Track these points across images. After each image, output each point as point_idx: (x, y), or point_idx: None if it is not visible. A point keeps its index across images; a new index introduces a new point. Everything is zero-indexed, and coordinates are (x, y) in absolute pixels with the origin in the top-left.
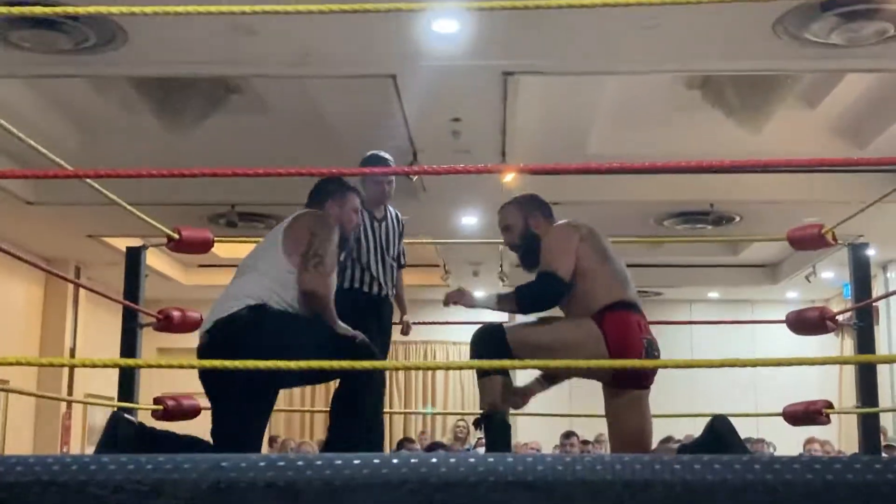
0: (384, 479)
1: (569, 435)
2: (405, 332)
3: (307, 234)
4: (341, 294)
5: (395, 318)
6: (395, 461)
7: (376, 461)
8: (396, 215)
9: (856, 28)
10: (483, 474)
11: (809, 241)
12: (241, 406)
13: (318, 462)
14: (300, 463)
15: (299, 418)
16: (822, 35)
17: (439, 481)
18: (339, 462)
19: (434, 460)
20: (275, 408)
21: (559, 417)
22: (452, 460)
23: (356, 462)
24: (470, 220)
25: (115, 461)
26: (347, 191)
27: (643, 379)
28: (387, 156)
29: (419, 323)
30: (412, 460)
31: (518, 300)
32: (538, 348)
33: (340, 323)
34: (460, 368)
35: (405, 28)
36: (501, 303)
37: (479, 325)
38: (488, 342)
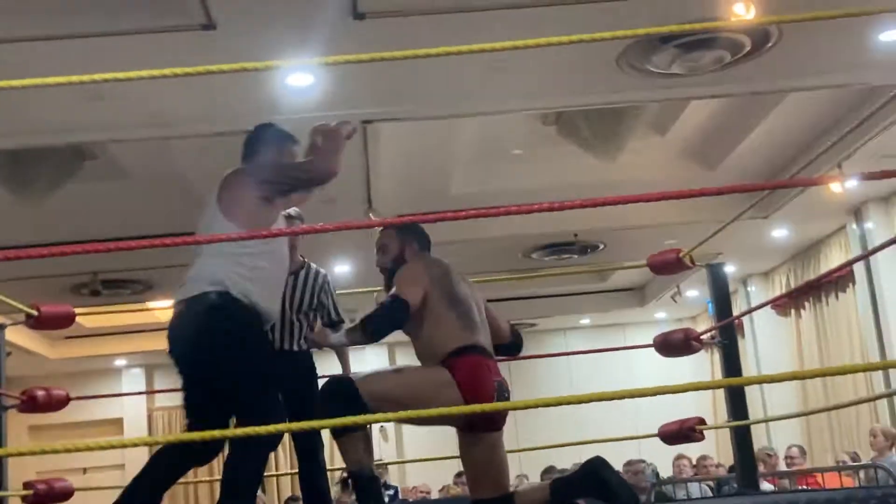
0: None
1: (548, 471)
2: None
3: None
4: None
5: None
6: None
7: None
8: (315, 272)
9: (695, 57)
10: None
11: (669, 266)
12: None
13: None
14: None
15: (181, 489)
16: (664, 66)
17: None
18: None
19: None
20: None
21: (448, 460)
22: None
23: None
24: (343, 268)
25: None
26: (286, 139)
27: (496, 422)
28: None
29: None
30: None
31: (363, 327)
32: (391, 401)
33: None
34: (322, 427)
35: (260, 84)
36: (351, 334)
37: (326, 379)
38: (340, 398)
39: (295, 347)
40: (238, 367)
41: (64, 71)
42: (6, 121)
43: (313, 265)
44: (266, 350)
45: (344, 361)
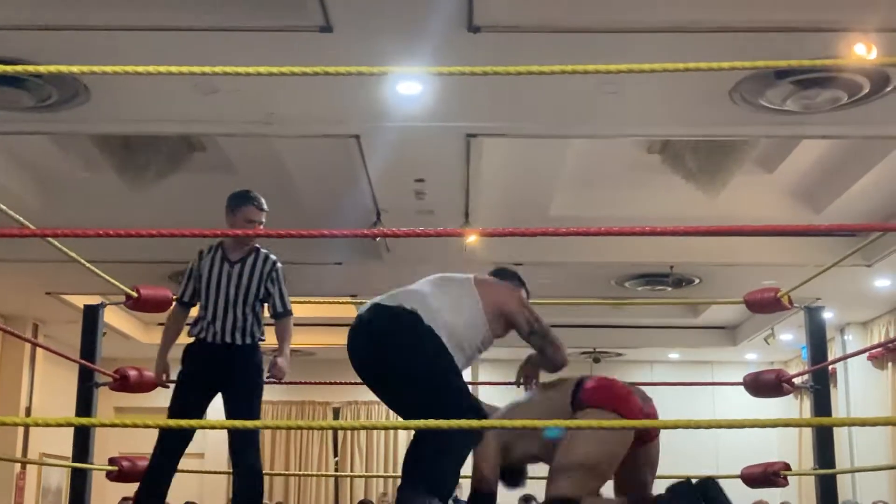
0: None
1: (527, 499)
2: (275, 374)
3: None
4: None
5: None
6: None
7: None
8: (264, 257)
9: (810, 95)
10: None
11: (766, 305)
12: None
13: None
14: None
15: None
16: (778, 102)
17: None
18: None
19: None
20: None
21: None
22: None
23: None
24: None
25: None
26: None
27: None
28: (251, 193)
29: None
30: None
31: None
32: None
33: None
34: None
35: (370, 89)
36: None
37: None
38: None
39: (238, 341)
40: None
41: (181, 63)
42: (122, 108)
43: (263, 250)
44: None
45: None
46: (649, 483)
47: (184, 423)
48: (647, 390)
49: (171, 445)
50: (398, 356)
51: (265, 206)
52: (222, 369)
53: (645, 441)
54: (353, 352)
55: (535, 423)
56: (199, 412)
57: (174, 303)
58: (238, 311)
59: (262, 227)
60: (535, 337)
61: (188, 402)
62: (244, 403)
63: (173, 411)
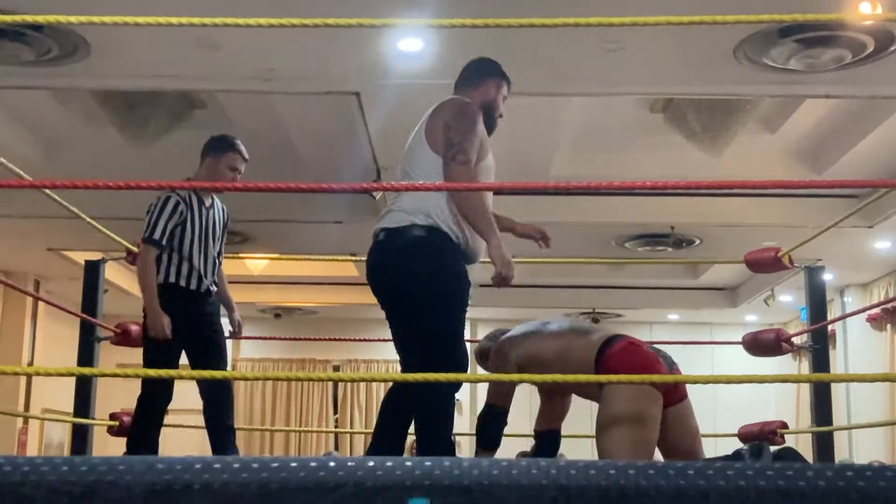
0: (320, 481)
1: (524, 455)
2: (237, 332)
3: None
4: (158, 290)
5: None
6: (331, 464)
7: (313, 464)
8: (223, 207)
9: (814, 54)
10: (419, 478)
11: (766, 264)
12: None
13: (254, 465)
14: (236, 465)
15: (258, 436)
16: (782, 60)
17: (375, 485)
18: (276, 465)
19: (371, 463)
20: (237, 426)
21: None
22: (389, 464)
23: (292, 465)
24: None
25: (49, 462)
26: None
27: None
28: (233, 139)
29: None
30: (349, 463)
31: None
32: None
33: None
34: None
35: (370, 46)
36: None
37: None
38: None
39: (212, 288)
40: (442, 306)
41: (180, 16)
42: (123, 63)
43: (217, 200)
44: (468, 292)
45: (230, 307)
46: (697, 449)
47: (187, 373)
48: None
49: (163, 404)
50: (411, 285)
51: (247, 156)
52: (197, 313)
53: (672, 403)
54: (369, 270)
55: (552, 377)
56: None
57: (149, 245)
58: (210, 255)
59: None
60: (454, 166)
61: (173, 353)
62: (219, 348)
63: (162, 363)
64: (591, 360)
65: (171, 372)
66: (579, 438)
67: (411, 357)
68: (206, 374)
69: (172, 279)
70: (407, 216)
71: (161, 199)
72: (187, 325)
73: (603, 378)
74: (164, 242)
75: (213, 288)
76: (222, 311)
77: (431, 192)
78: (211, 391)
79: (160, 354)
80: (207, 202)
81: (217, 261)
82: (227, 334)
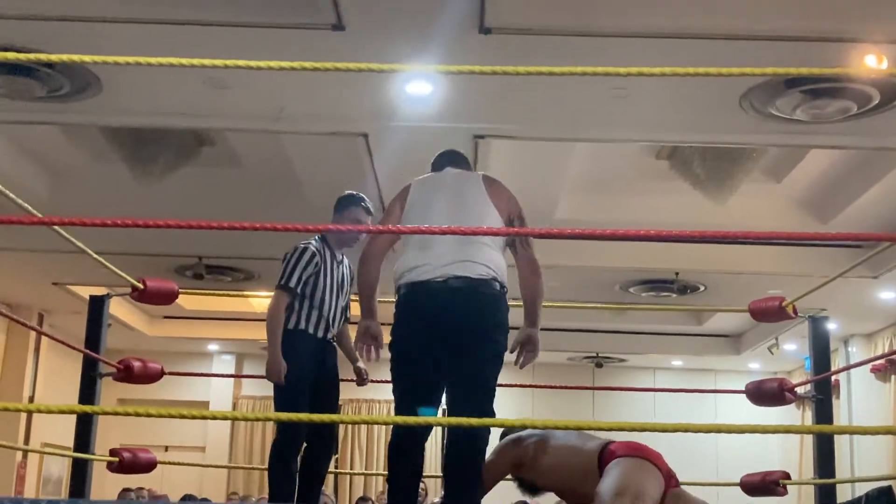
0: None
1: None
2: (362, 381)
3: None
4: (286, 335)
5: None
6: None
7: None
8: (349, 264)
9: (820, 105)
10: None
11: (770, 314)
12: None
13: None
14: None
15: (258, 475)
16: (787, 111)
17: None
18: None
19: None
20: (233, 464)
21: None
22: None
23: None
24: None
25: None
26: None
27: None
28: (363, 196)
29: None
30: None
31: None
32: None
33: None
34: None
35: (379, 88)
36: None
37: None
38: None
39: (331, 336)
40: (500, 363)
41: (191, 56)
42: (133, 100)
43: (346, 258)
44: None
45: (353, 358)
46: None
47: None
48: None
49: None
50: (485, 334)
51: (372, 210)
52: (321, 361)
53: (668, 489)
54: (432, 313)
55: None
56: None
57: (283, 291)
58: (339, 306)
59: None
60: (520, 221)
61: (304, 396)
62: (335, 397)
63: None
64: (594, 465)
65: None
66: None
67: (461, 404)
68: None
69: (303, 325)
70: (488, 270)
71: (298, 248)
72: (313, 368)
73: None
74: (297, 290)
75: (333, 340)
76: (343, 360)
77: (500, 256)
78: (319, 436)
79: (294, 394)
80: (339, 257)
81: (344, 314)
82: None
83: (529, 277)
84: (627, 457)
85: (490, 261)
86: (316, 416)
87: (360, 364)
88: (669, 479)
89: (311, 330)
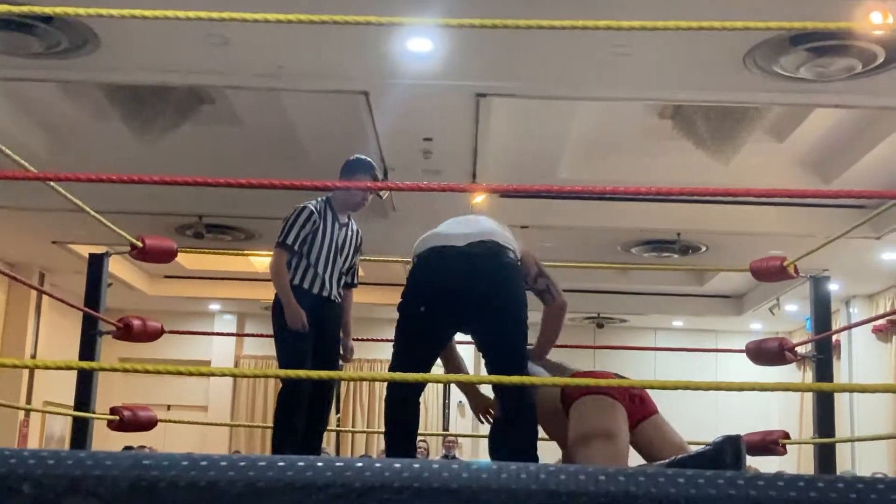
0: (308, 481)
1: None
2: (347, 358)
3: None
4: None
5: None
6: (319, 464)
7: (301, 463)
8: (357, 230)
9: (824, 63)
10: (407, 480)
11: (772, 273)
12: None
13: (242, 463)
14: (223, 463)
15: (260, 433)
16: (792, 69)
17: (363, 486)
18: (263, 463)
19: (359, 464)
20: (235, 422)
21: None
22: (378, 465)
23: (280, 464)
24: None
25: (35, 454)
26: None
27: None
28: (373, 163)
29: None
30: (337, 464)
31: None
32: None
33: None
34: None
35: (379, 45)
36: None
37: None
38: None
39: (335, 298)
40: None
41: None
42: (132, 57)
43: (354, 223)
44: None
45: (347, 332)
46: (678, 441)
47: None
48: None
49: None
50: (509, 303)
51: (380, 178)
52: (318, 317)
53: (640, 419)
54: (451, 275)
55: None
56: None
57: (281, 249)
58: (337, 267)
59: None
60: (543, 278)
61: (307, 348)
62: (334, 354)
63: (300, 356)
64: (557, 398)
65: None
66: None
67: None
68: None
69: (297, 282)
70: (508, 243)
71: (298, 208)
72: (314, 324)
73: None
74: (295, 248)
75: (337, 299)
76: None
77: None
78: (319, 393)
79: (297, 348)
80: (342, 219)
81: (344, 278)
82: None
83: (555, 320)
84: (585, 396)
85: (508, 241)
86: (314, 373)
87: (350, 342)
88: (641, 406)
89: (306, 286)
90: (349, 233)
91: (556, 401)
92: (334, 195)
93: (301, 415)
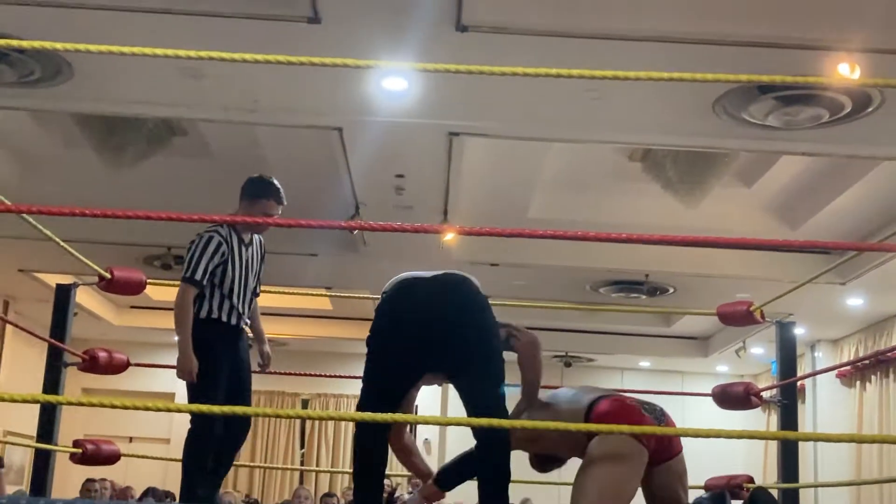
0: None
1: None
2: (266, 364)
3: None
4: (198, 325)
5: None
6: None
7: None
8: (260, 241)
9: (792, 112)
10: None
11: (738, 318)
12: None
13: None
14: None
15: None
16: (760, 117)
17: None
18: None
19: None
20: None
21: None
22: None
23: None
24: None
25: None
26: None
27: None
28: (277, 185)
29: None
30: None
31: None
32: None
33: None
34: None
35: (354, 83)
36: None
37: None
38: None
39: (245, 323)
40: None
41: (166, 46)
42: (106, 88)
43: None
44: None
45: (260, 339)
46: (682, 499)
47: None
48: None
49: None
50: (478, 325)
51: (285, 201)
52: (233, 349)
53: (665, 460)
54: (420, 302)
55: (559, 424)
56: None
57: (190, 284)
58: (248, 292)
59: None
60: (502, 327)
61: (220, 387)
62: (247, 383)
63: (210, 399)
64: (580, 422)
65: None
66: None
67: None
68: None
69: (215, 314)
70: (471, 278)
71: (203, 237)
72: (228, 357)
73: (592, 427)
74: (204, 282)
75: (246, 323)
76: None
77: None
78: (234, 427)
79: (211, 386)
80: (246, 239)
81: (254, 295)
82: (254, 367)
83: (529, 360)
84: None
85: (473, 278)
86: (284, 413)
87: (266, 347)
88: (659, 448)
89: (223, 318)
90: (253, 250)
91: (580, 419)
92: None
93: (210, 455)
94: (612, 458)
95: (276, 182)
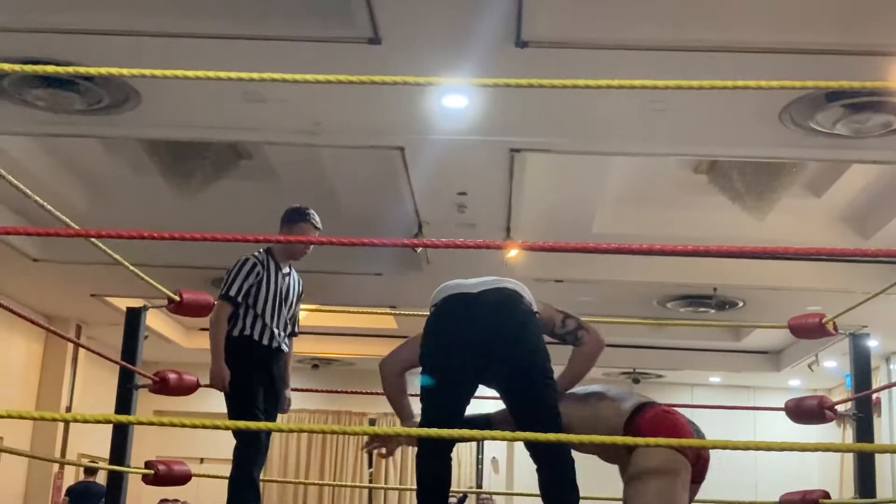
0: None
1: None
2: (284, 409)
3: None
4: (231, 342)
5: None
6: None
7: None
8: (298, 279)
9: (861, 119)
10: None
11: (810, 330)
12: None
13: None
14: None
15: (292, 489)
16: (828, 125)
17: None
18: None
19: None
20: (267, 477)
21: None
22: None
23: None
24: None
25: None
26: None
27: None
28: (310, 210)
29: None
30: None
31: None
32: None
33: None
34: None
35: (415, 102)
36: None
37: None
38: None
39: (284, 347)
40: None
41: (230, 70)
42: (172, 114)
43: (294, 271)
44: None
45: (285, 382)
46: None
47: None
48: (687, 413)
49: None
50: (530, 341)
51: (320, 225)
52: (266, 368)
53: (696, 481)
54: (472, 324)
55: (592, 437)
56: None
57: (225, 301)
58: (283, 316)
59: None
60: (571, 318)
61: (258, 403)
62: (278, 404)
63: (250, 414)
64: (620, 427)
65: (206, 422)
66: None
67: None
68: (241, 424)
69: (248, 332)
70: (522, 290)
71: (241, 260)
72: (261, 375)
73: (639, 441)
74: (238, 300)
75: (286, 348)
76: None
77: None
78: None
79: (251, 402)
80: (284, 269)
81: (288, 326)
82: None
83: (585, 356)
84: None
85: (523, 290)
86: (361, 429)
87: (288, 392)
88: (694, 470)
89: (256, 337)
90: (291, 282)
91: (621, 423)
92: (275, 245)
93: (259, 469)
94: (667, 472)
95: (311, 210)
